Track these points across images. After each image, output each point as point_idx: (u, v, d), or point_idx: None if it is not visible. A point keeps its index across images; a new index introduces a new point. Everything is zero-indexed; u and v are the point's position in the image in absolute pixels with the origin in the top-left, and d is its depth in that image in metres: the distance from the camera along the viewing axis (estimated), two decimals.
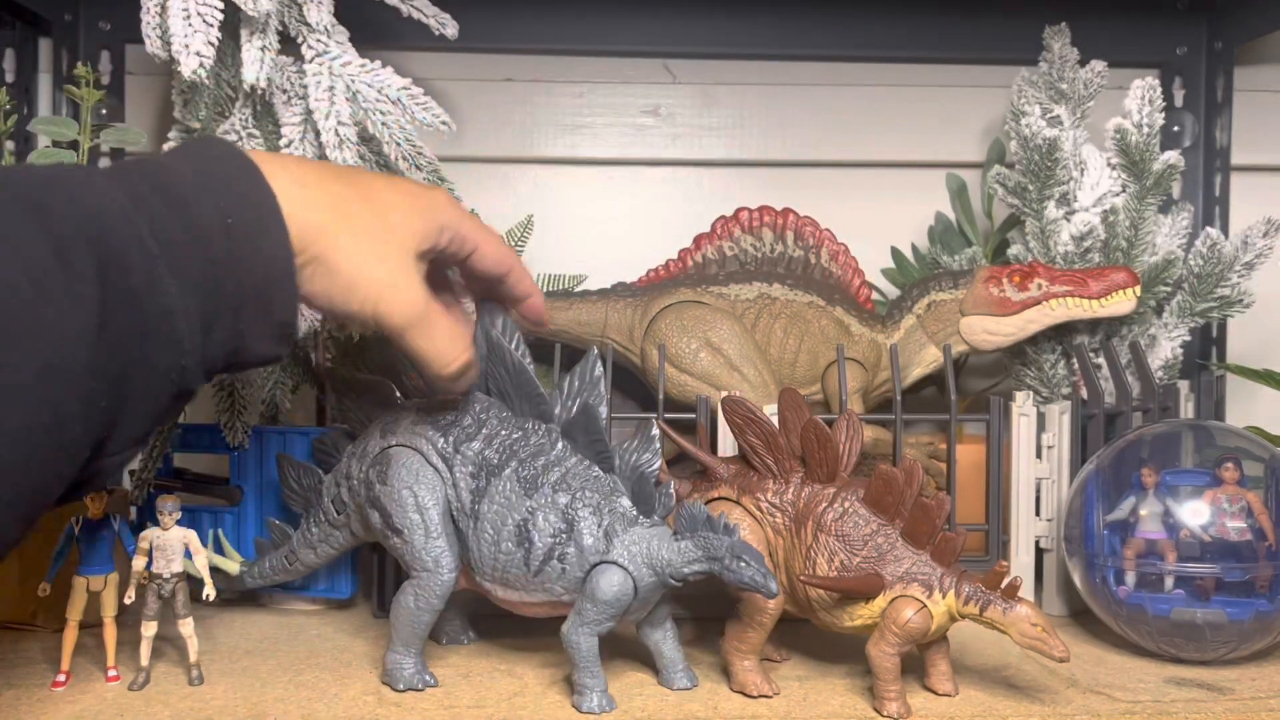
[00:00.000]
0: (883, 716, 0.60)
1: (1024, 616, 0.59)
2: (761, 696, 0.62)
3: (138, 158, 0.50)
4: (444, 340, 0.57)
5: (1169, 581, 0.68)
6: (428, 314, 0.55)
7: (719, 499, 0.67)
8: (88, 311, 0.42)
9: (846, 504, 0.62)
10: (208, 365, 0.48)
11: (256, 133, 0.78)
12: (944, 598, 0.60)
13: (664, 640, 0.65)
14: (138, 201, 0.45)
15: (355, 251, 0.52)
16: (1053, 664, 0.69)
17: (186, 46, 0.70)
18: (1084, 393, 0.85)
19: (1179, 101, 1.02)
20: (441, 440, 0.66)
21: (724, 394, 0.76)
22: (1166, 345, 0.89)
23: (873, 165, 1.04)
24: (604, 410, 0.65)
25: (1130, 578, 0.69)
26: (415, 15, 0.85)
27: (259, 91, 0.77)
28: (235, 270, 0.47)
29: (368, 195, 0.54)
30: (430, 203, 0.57)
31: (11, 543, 0.42)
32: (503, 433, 0.65)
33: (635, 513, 0.62)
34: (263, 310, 0.49)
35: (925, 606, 0.60)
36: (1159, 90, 0.88)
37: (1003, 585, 0.60)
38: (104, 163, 0.96)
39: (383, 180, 0.56)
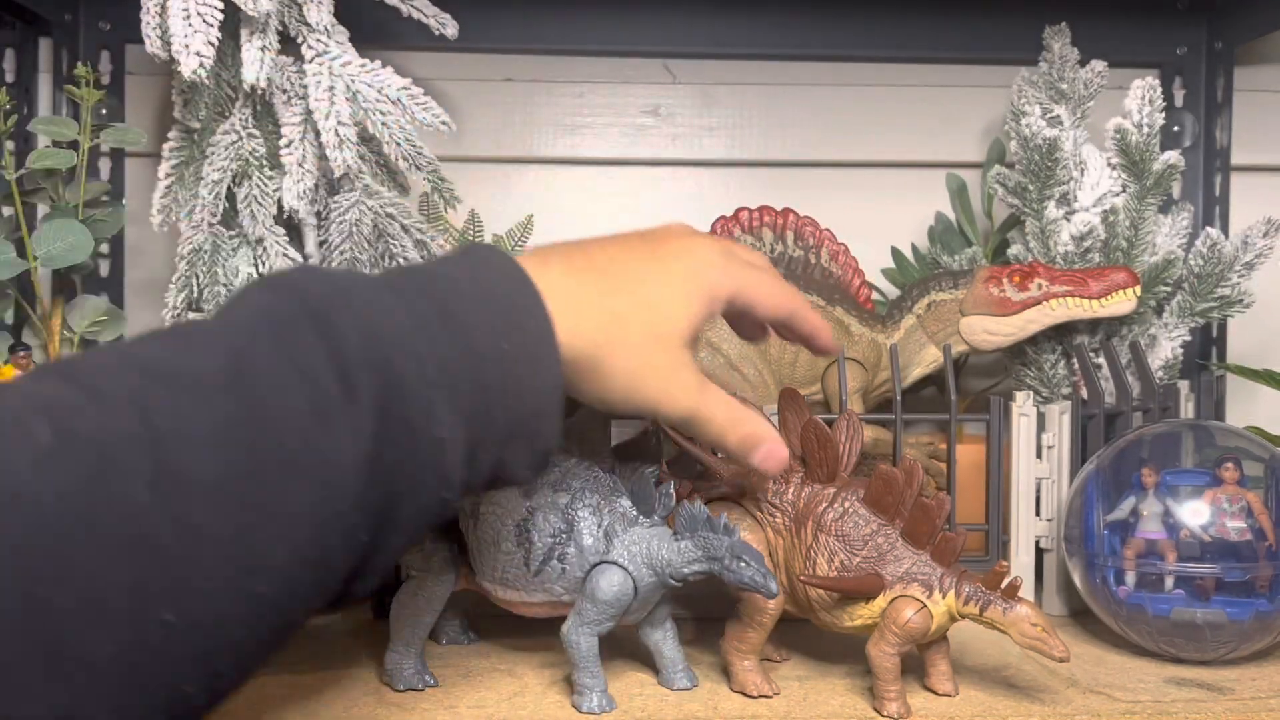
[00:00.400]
0: (883, 716, 0.60)
1: (1024, 616, 0.59)
2: (761, 696, 0.62)
3: (413, 266, 0.48)
4: (723, 420, 0.55)
5: (1169, 581, 0.68)
6: (702, 402, 0.54)
7: (719, 499, 0.67)
8: (364, 443, 0.39)
9: (846, 504, 0.62)
10: (465, 492, 0.45)
11: (256, 132, 0.78)
12: (944, 598, 0.60)
13: (664, 640, 0.65)
14: (420, 322, 0.42)
15: (629, 362, 0.51)
16: (1052, 664, 0.69)
17: (186, 46, 0.70)
18: (1084, 393, 0.85)
19: (1179, 101, 1.02)
20: None
21: None
22: (1166, 345, 0.89)
23: (873, 165, 1.04)
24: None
25: (1130, 578, 0.69)
26: (415, 15, 0.85)
27: (259, 91, 0.77)
28: (506, 399, 0.45)
29: (639, 295, 0.52)
30: (700, 281, 0.54)
31: (257, 671, 0.40)
32: None
33: (635, 513, 0.62)
34: (528, 440, 0.46)
35: (925, 606, 0.60)
36: (1159, 90, 0.88)
37: (1003, 585, 0.60)
38: (104, 163, 0.96)
39: (652, 270, 0.53)
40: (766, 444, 0.55)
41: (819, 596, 0.62)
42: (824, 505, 0.63)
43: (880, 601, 0.61)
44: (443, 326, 0.43)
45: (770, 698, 0.63)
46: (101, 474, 0.34)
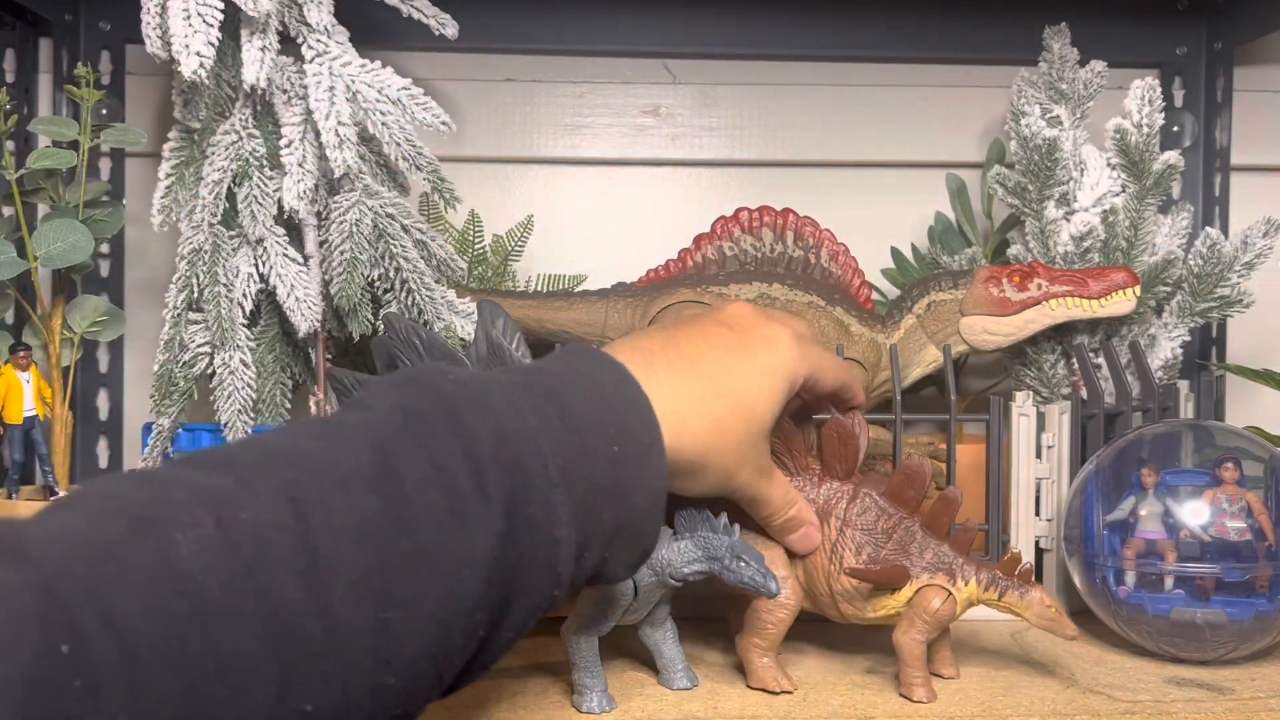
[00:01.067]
0: (912, 701, 0.62)
1: (1038, 600, 0.63)
2: (784, 692, 0.63)
3: (531, 366, 0.49)
4: (779, 503, 0.62)
5: (1169, 581, 0.68)
6: (769, 486, 0.60)
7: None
8: (493, 541, 0.40)
9: (867, 499, 0.64)
10: (571, 590, 0.46)
11: (256, 133, 0.78)
12: (967, 585, 0.63)
13: (664, 640, 0.65)
14: (544, 422, 0.44)
15: (727, 463, 0.55)
16: (1052, 663, 0.69)
17: (186, 46, 0.70)
18: (1084, 393, 0.85)
19: (1179, 102, 1.02)
20: None
21: None
22: (1166, 345, 0.89)
23: (873, 165, 1.04)
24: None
25: (1130, 578, 0.69)
26: (415, 15, 0.85)
27: (259, 91, 0.77)
28: (615, 500, 0.46)
29: (736, 396, 0.54)
30: (782, 373, 0.57)
31: None
32: None
33: None
34: (632, 540, 0.48)
35: (951, 594, 0.63)
36: (1159, 90, 0.88)
37: (1017, 571, 0.63)
38: (104, 163, 0.96)
39: (743, 366, 0.55)
40: (805, 528, 0.63)
41: (845, 589, 0.63)
42: (845, 501, 0.64)
43: (906, 592, 0.63)
44: (564, 428, 0.44)
45: (791, 693, 0.63)
46: (259, 564, 0.34)
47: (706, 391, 0.53)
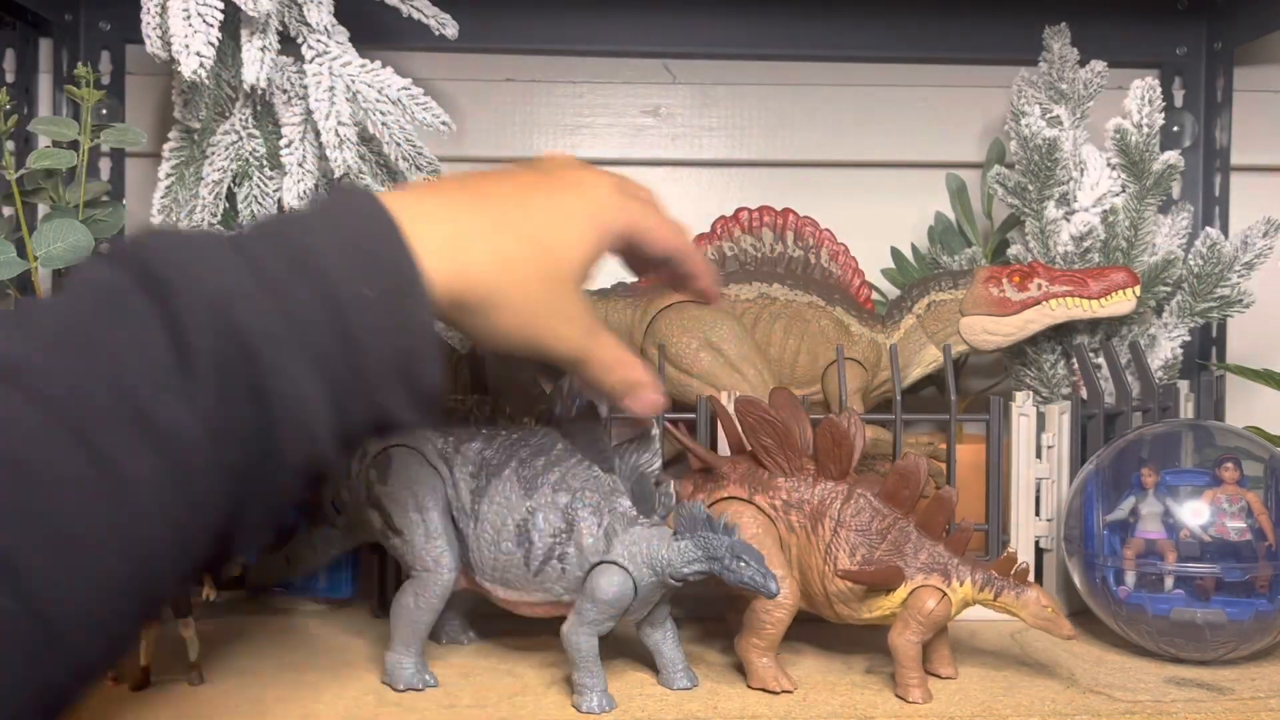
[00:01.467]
0: (908, 702, 0.62)
1: (1034, 599, 0.62)
2: (784, 692, 0.63)
3: (269, 219, 0.46)
4: (608, 361, 0.55)
5: (1169, 581, 0.68)
6: (592, 344, 0.54)
7: (729, 498, 0.67)
8: (207, 410, 0.39)
9: (862, 500, 0.64)
10: (347, 443, 0.45)
11: (256, 133, 0.78)
12: (962, 586, 0.63)
13: (664, 640, 0.65)
14: (266, 277, 0.41)
15: (522, 302, 0.50)
16: (1051, 663, 0.69)
17: (186, 46, 0.70)
18: (1084, 393, 0.85)
19: (1179, 102, 1.02)
20: (441, 440, 0.66)
21: (723, 394, 0.76)
22: (1166, 345, 0.89)
23: (873, 165, 1.04)
24: (604, 410, 0.65)
25: (1130, 578, 0.69)
26: (415, 15, 0.85)
27: (259, 91, 0.77)
28: (374, 346, 0.43)
29: (524, 232, 0.50)
30: (590, 219, 0.53)
31: (131, 646, 0.40)
32: (503, 433, 0.65)
33: (635, 513, 0.62)
34: (405, 383, 0.45)
35: (946, 595, 0.63)
36: (1159, 90, 0.88)
37: (1013, 571, 0.63)
38: (104, 163, 0.96)
39: (541, 205, 0.52)
40: (644, 389, 0.56)
41: (839, 590, 0.63)
42: (840, 501, 0.64)
43: (901, 592, 0.63)
44: (296, 279, 0.42)
45: (791, 692, 0.63)
46: None
47: (492, 225, 0.49)
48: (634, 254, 0.59)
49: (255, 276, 0.41)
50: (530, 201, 0.51)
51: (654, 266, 0.61)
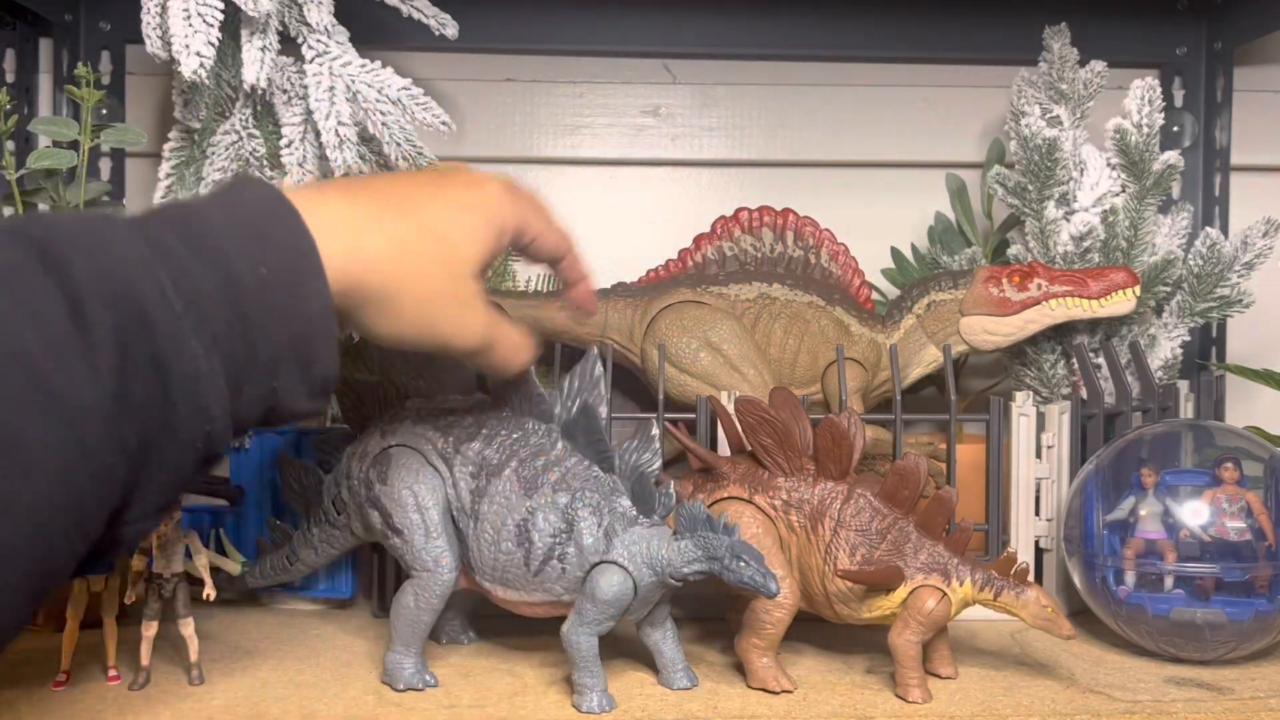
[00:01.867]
0: (908, 702, 0.62)
1: (1034, 599, 0.62)
2: (784, 692, 0.63)
3: (167, 203, 0.47)
4: (509, 352, 0.58)
5: (1169, 581, 0.68)
6: (492, 335, 0.55)
7: (729, 498, 0.67)
8: (105, 380, 0.39)
9: (861, 500, 0.64)
10: (238, 426, 0.45)
11: (256, 133, 0.78)
12: (961, 585, 0.63)
13: (664, 640, 0.65)
14: (162, 254, 0.42)
15: (420, 292, 0.51)
16: (1051, 663, 0.69)
17: (186, 46, 0.70)
18: (1084, 393, 0.86)
19: (1179, 102, 1.02)
20: (441, 440, 0.66)
21: (723, 394, 0.76)
22: (1166, 345, 0.89)
23: (873, 165, 1.04)
24: (604, 410, 0.65)
25: (1130, 578, 0.69)
26: (415, 15, 0.86)
27: (259, 91, 0.77)
28: (270, 325, 0.44)
29: (422, 223, 0.51)
30: (486, 213, 0.54)
31: (24, 621, 0.39)
32: (503, 433, 0.65)
33: (635, 513, 0.62)
34: (300, 366, 0.46)
35: (946, 595, 0.63)
36: (1159, 90, 0.88)
37: (1013, 571, 0.63)
38: (104, 163, 0.96)
39: (437, 199, 0.53)
40: (523, 354, 0.59)
41: (839, 590, 0.63)
42: (839, 501, 0.64)
43: (900, 592, 0.63)
44: (193, 257, 0.42)
45: (791, 692, 0.63)
46: None
47: (388, 215, 0.50)
48: (522, 255, 0.60)
49: (153, 251, 0.42)
50: (428, 196, 0.53)
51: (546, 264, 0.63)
